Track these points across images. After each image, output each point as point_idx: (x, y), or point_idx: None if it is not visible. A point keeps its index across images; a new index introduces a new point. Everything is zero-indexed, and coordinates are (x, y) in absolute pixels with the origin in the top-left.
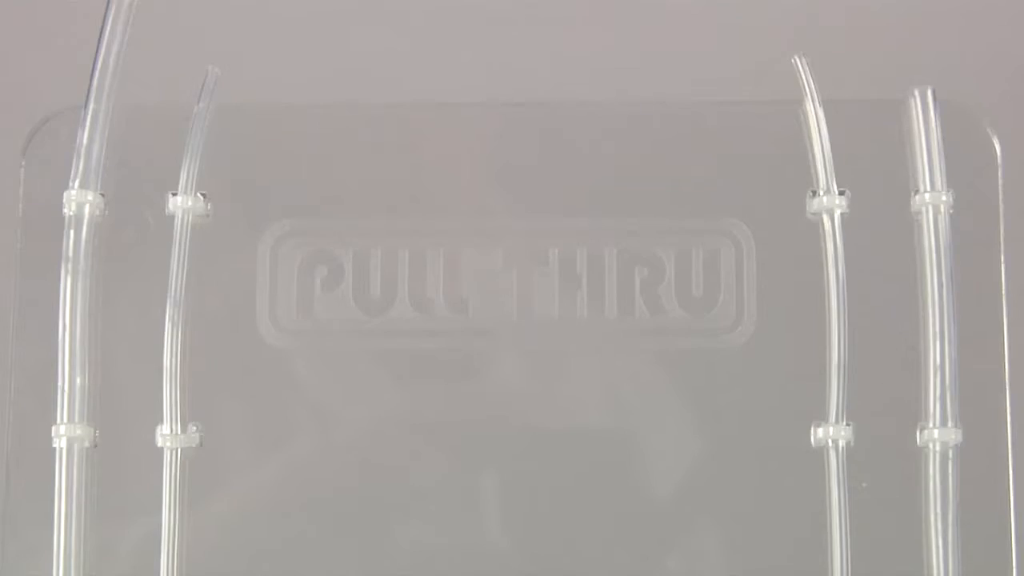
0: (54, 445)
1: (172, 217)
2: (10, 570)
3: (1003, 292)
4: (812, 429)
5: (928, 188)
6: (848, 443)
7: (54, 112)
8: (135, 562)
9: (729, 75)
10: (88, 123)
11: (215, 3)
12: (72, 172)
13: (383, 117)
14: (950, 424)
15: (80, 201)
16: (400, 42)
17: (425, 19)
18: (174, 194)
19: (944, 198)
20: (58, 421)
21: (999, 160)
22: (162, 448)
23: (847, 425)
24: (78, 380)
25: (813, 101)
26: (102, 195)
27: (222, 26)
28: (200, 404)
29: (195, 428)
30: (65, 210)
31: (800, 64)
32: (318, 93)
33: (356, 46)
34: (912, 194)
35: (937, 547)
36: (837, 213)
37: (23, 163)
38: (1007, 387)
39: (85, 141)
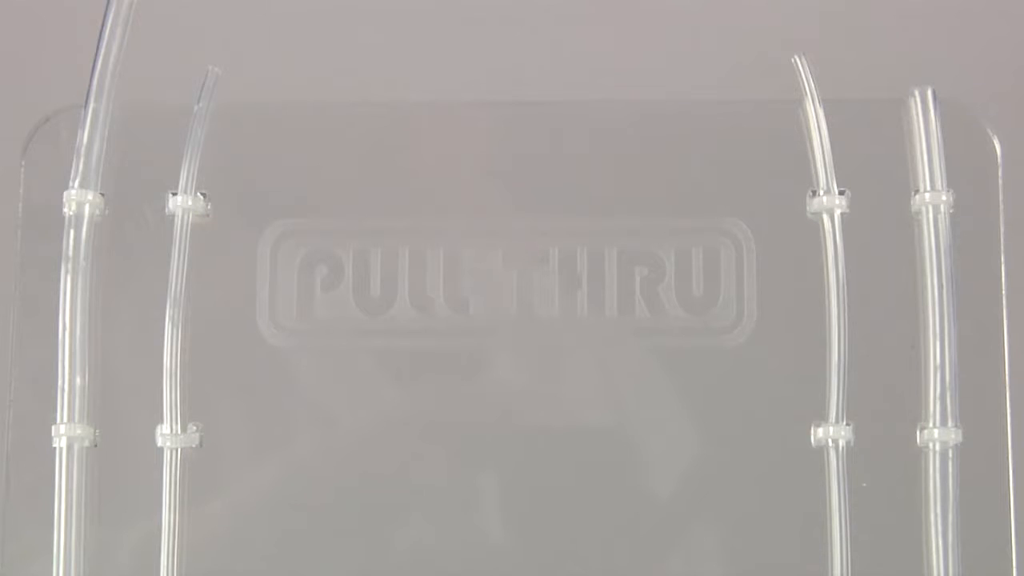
0: (54, 445)
1: (172, 217)
2: (10, 570)
3: (1003, 292)
4: (812, 429)
5: (928, 188)
6: (848, 443)
7: (54, 112)
8: (135, 562)
9: (729, 75)
10: (88, 123)
11: (215, 3)
12: (72, 172)
13: (383, 117)
14: (950, 424)
15: (80, 201)
16: (400, 42)
17: (425, 19)
18: (174, 194)
19: (944, 198)
20: (58, 421)
21: (999, 160)
22: (162, 448)
23: (847, 425)
24: (78, 380)
25: (813, 101)
26: (102, 195)
27: (222, 26)
28: (200, 404)
29: (195, 428)
30: (65, 210)
31: (800, 64)
32: (318, 93)
33: (356, 46)
34: (912, 194)
35: (937, 547)
36: (837, 213)
37: (23, 163)
38: (1007, 387)
39: (85, 141)
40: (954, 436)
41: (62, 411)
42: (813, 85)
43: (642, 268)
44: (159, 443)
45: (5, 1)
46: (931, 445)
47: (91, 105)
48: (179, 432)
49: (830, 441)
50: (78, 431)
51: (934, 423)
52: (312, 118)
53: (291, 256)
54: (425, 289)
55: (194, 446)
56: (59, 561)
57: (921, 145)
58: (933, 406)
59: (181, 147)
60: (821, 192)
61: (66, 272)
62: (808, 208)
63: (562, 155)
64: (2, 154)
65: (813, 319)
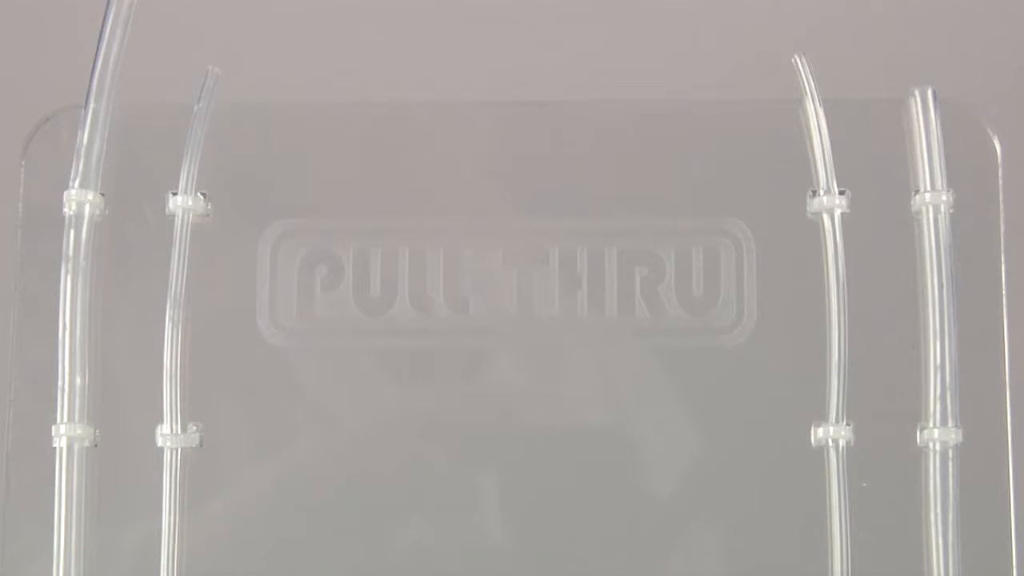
0: (54, 445)
1: (172, 217)
2: (10, 570)
3: (1003, 292)
4: (812, 429)
5: (928, 188)
6: (848, 443)
7: (54, 112)
8: (135, 562)
9: (729, 75)
10: (88, 123)
11: (215, 3)
12: (72, 172)
13: (383, 117)
14: (950, 424)
15: (80, 201)
16: (400, 42)
17: (425, 19)
18: (174, 194)
19: (944, 198)
20: (58, 421)
21: (999, 160)
22: (162, 448)
23: (847, 425)
24: (78, 380)
25: (813, 100)
26: (102, 195)
27: (222, 26)
28: (200, 404)
29: (195, 428)
30: (65, 210)
31: (800, 64)
32: (318, 93)
33: (356, 46)
34: (912, 194)
35: (937, 547)
36: (837, 213)
37: (23, 163)
38: (1007, 387)
39: (85, 141)
40: (954, 436)
41: (62, 411)
42: (813, 85)
43: (642, 268)
44: (159, 443)
45: (5, 1)
46: (931, 445)
47: (91, 105)
48: (179, 432)
49: (830, 441)
50: (78, 431)
51: (934, 423)
52: (312, 118)
53: (291, 256)
54: (425, 289)
55: (194, 446)
56: (59, 561)
57: (921, 145)
58: (933, 406)
59: (181, 147)
60: (821, 192)
61: (66, 272)
62: (808, 208)
63: (562, 155)
64: (2, 154)
65: (813, 319)
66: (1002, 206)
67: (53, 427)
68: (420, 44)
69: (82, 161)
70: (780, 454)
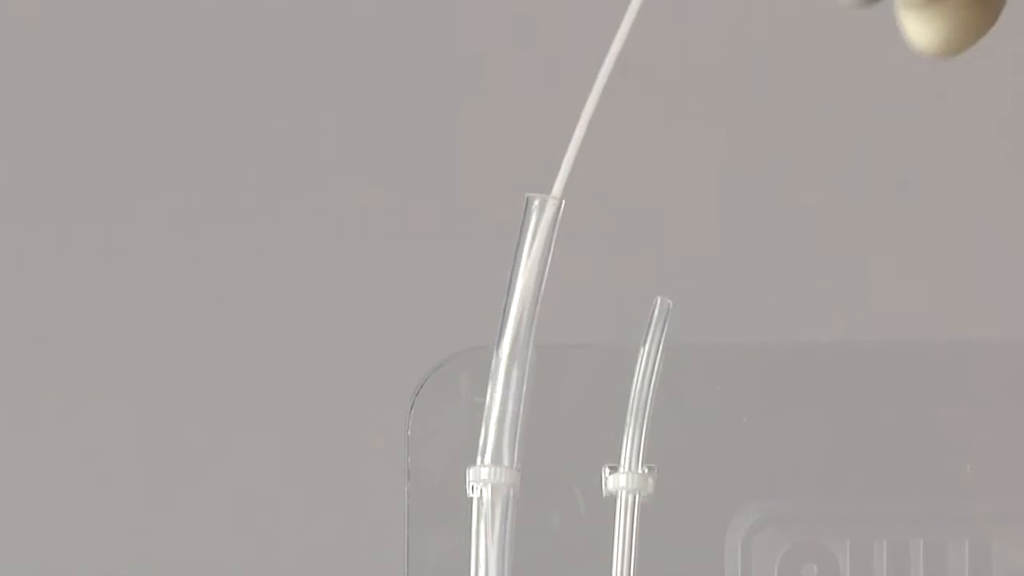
0: None
1: (611, 497)
2: None
3: None
4: None
5: None
6: None
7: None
8: None
9: None
10: (502, 374)
11: (662, 221)
12: (482, 439)
13: None
14: None
15: (495, 481)
16: None
17: None
18: (613, 468)
19: None
20: None
21: None
22: None
23: None
24: None
25: None
26: (518, 471)
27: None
28: None
29: None
30: (471, 491)
31: None
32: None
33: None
34: None
35: None
36: None
37: (410, 422)
38: None
39: (498, 399)
40: None
41: None
42: None
43: None
44: None
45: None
46: None
47: (506, 348)
48: None
49: None
50: None
51: None
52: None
53: (770, 549)
54: None
55: None
56: None
57: None
58: None
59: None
60: None
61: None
62: None
63: None
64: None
65: None
66: None
67: None
68: None
69: (492, 427)
70: None
